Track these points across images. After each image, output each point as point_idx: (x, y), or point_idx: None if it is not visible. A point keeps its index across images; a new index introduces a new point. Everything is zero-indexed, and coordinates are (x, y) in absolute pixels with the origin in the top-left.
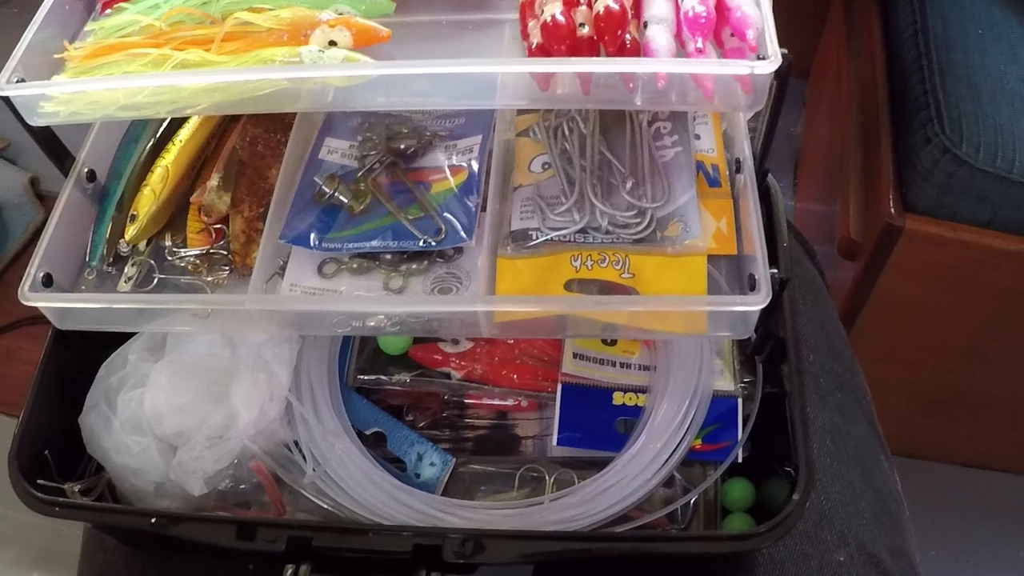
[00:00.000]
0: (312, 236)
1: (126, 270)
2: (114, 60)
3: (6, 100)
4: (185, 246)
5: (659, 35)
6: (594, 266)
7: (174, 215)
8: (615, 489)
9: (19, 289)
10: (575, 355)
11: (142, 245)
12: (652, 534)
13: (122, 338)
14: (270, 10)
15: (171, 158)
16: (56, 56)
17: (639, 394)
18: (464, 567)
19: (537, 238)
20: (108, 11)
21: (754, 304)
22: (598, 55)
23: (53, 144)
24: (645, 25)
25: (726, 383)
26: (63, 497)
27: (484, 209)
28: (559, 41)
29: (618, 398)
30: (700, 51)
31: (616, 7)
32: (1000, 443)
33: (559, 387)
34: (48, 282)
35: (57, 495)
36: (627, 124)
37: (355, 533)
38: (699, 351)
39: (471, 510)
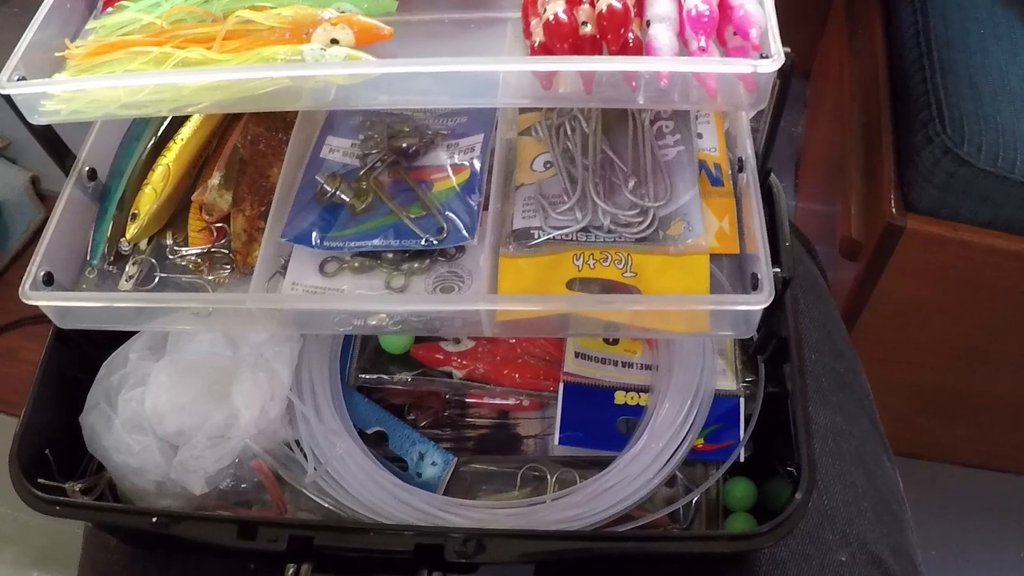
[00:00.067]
0: (314, 235)
1: (127, 269)
2: (115, 58)
3: (7, 98)
4: (186, 245)
5: (662, 34)
6: (596, 265)
7: (175, 214)
8: (617, 488)
9: (20, 288)
10: (577, 354)
11: (143, 244)
12: (654, 534)
13: (123, 337)
14: (272, 8)
15: (172, 156)
16: (57, 54)
17: (641, 393)
18: (466, 566)
19: (539, 237)
20: (109, 9)
21: (757, 303)
22: (600, 54)
23: (54, 143)
24: (648, 24)
25: (728, 382)
26: (64, 496)
27: (486, 208)
28: (561, 39)
29: (620, 397)
30: (703, 50)
31: (619, 5)
32: (1001, 443)
33: (561, 386)
34: (49, 281)
35: (58, 494)
36: (629, 123)
37: (357, 532)
38: (701, 350)
39: (473, 509)
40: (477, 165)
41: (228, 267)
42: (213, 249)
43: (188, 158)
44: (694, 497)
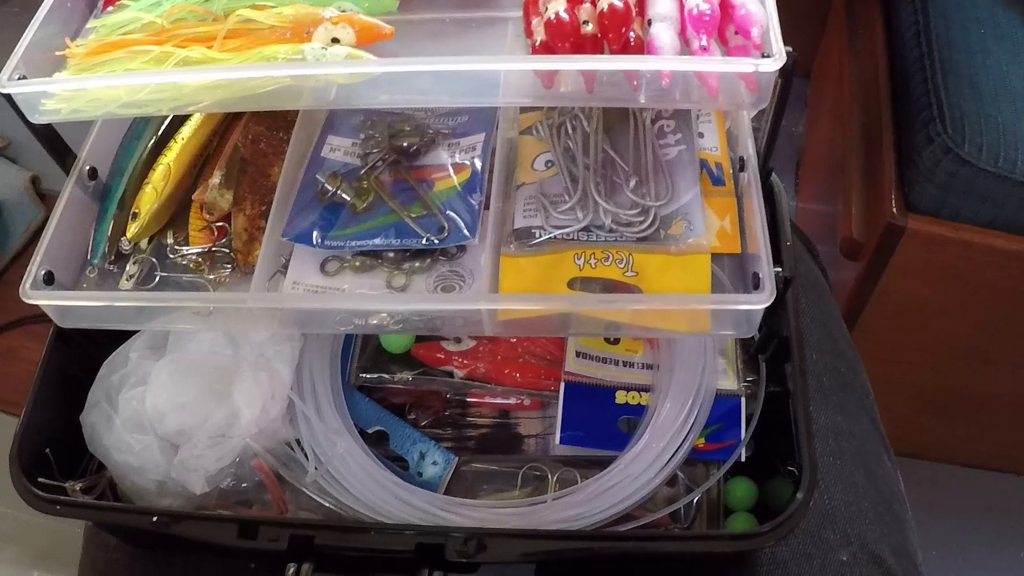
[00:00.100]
0: (314, 234)
1: (128, 268)
2: (116, 57)
3: (8, 97)
4: (187, 244)
5: (663, 33)
6: (597, 264)
7: (176, 213)
8: (618, 488)
9: (20, 287)
10: (578, 354)
11: (144, 243)
12: (655, 533)
13: (123, 336)
14: (273, 7)
15: (173, 156)
16: (58, 53)
17: (642, 393)
18: (466, 566)
19: (540, 236)
20: (110, 8)
21: (758, 303)
22: (602, 53)
23: (54, 142)
24: (649, 23)
25: (729, 382)
26: (64, 495)
27: (487, 207)
28: (563, 38)
29: (621, 397)
30: (704, 49)
31: (620, 4)
32: (1001, 443)
33: (562, 386)
34: (50, 280)
35: (58, 493)
36: (630, 122)
37: (357, 532)
38: (702, 350)
39: (473, 509)
40: (478, 164)
41: (229, 266)
42: (214, 248)
43: (189, 157)
44: (695, 497)
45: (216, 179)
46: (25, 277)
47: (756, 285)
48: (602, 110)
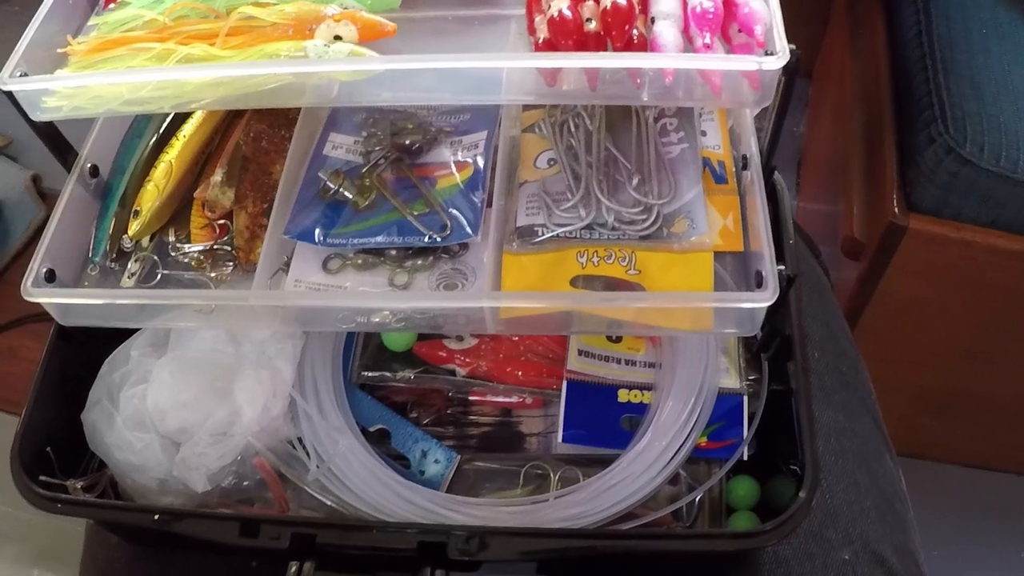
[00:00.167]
0: (317, 232)
1: (129, 266)
2: (118, 55)
3: (9, 95)
4: (189, 242)
5: (666, 30)
6: (600, 262)
7: (178, 211)
8: (620, 487)
9: (22, 284)
10: (580, 352)
11: (145, 241)
12: (657, 532)
13: (125, 334)
14: (275, 4)
15: (175, 153)
16: (59, 51)
17: (644, 391)
18: (468, 564)
19: (543, 234)
20: (111, 5)
21: (761, 301)
22: (605, 51)
23: (56, 139)
24: (652, 21)
25: (732, 380)
26: (65, 494)
27: (490, 205)
28: (566, 36)
29: (623, 395)
30: (708, 47)
31: (623, 2)
32: (1002, 443)
33: (564, 384)
34: (51, 278)
35: (59, 492)
36: (633, 120)
37: (359, 530)
38: (705, 348)
39: (475, 507)
40: (481, 162)
41: (231, 264)
42: (216, 246)
43: (190, 155)
44: (697, 495)
45: (218, 177)
46: (26, 275)
47: (759, 283)
48: (605, 108)
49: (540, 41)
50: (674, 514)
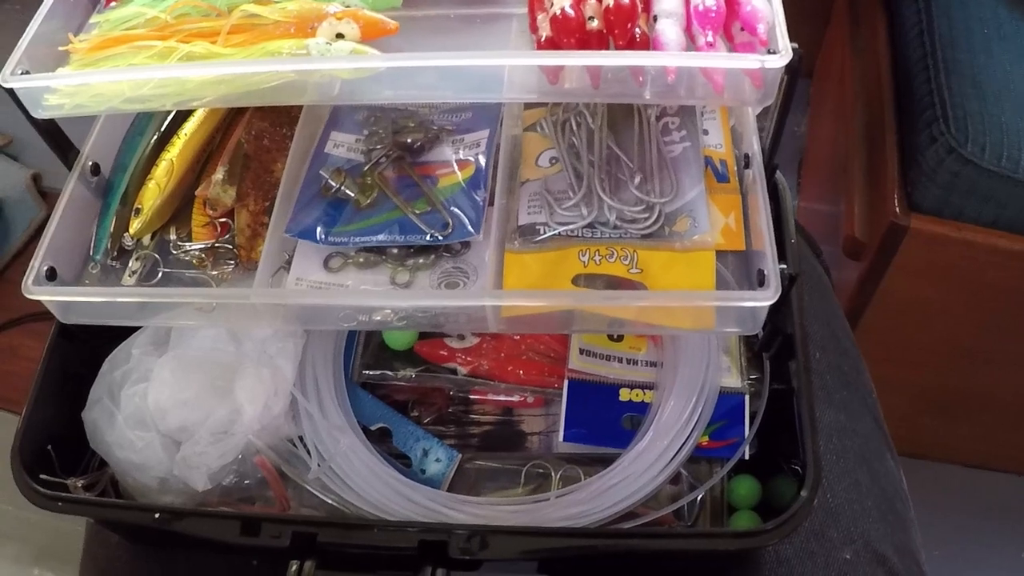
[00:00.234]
0: (318, 230)
1: (130, 264)
2: (119, 52)
3: (10, 92)
4: (190, 240)
5: (669, 29)
6: (602, 261)
7: (179, 209)
8: (621, 486)
9: (23, 282)
10: (581, 351)
11: (146, 239)
12: (658, 531)
13: (126, 332)
14: (277, 2)
15: (176, 151)
16: (61, 48)
17: (646, 390)
18: (469, 563)
19: (545, 233)
20: (113, 3)
21: (764, 300)
22: (607, 49)
23: (57, 137)
24: (655, 19)
25: (733, 380)
26: (66, 492)
27: (491, 203)
28: (568, 34)
29: (624, 394)
30: (710, 45)
31: (626, 0)
32: (1002, 443)
33: (565, 383)
34: (52, 276)
35: (60, 490)
36: (635, 119)
37: (360, 529)
38: (706, 347)
39: (477, 506)
40: (482, 161)
41: (232, 262)
42: (217, 244)
43: (192, 153)
44: (699, 494)
45: (219, 175)
46: (27, 272)
47: (761, 282)
48: (606, 106)
49: (542, 39)
50: (675, 513)
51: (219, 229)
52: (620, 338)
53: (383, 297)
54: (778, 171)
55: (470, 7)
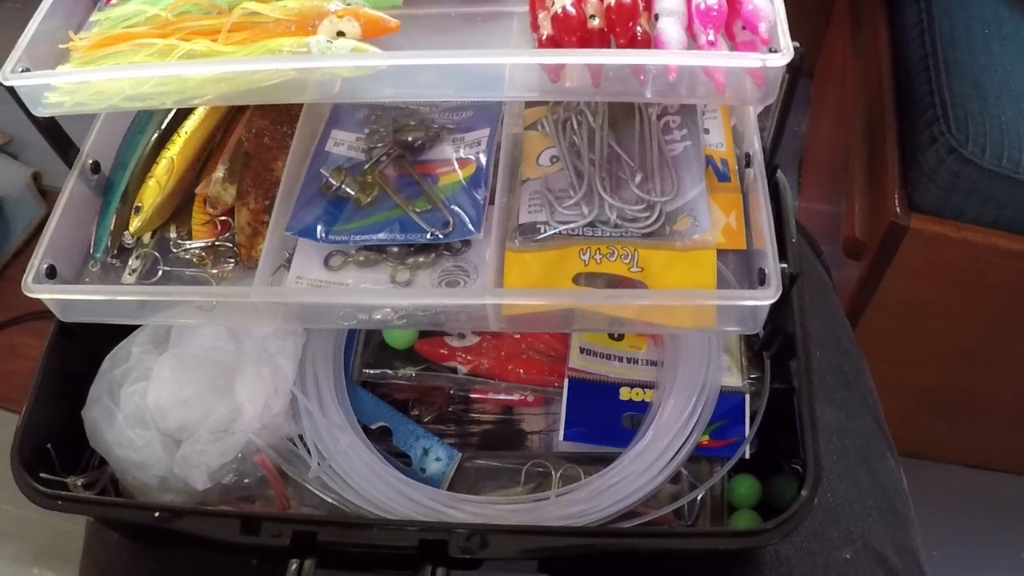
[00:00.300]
0: (318, 228)
1: (130, 262)
2: (120, 50)
3: (11, 90)
4: (190, 238)
5: (670, 27)
6: (603, 260)
7: (179, 207)
8: (621, 485)
9: (23, 280)
10: (582, 350)
11: (147, 237)
12: (658, 530)
13: (126, 331)
14: (277, 0)
15: (176, 149)
16: (61, 46)
17: (646, 389)
18: (470, 562)
19: (545, 231)
20: (114, 1)
21: (764, 299)
22: (609, 47)
23: (57, 135)
24: (656, 18)
25: (733, 379)
26: (66, 491)
27: (492, 202)
28: (570, 33)
29: (625, 393)
30: (712, 44)
31: None
32: (1002, 443)
33: (566, 382)
34: (52, 274)
35: (59, 489)
36: (636, 118)
37: (360, 528)
38: (707, 346)
39: (477, 505)
40: (483, 159)
41: (232, 261)
42: (217, 242)
43: (192, 151)
44: (699, 494)
45: (220, 173)
46: (27, 270)
47: (762, 281)
48: (607, 105)
49: (543, 38)
50: (675, 512)
51: (219, 227)
52: (620, 337)
53: (383, 296)
54: (779, 170)
55: (471, 5)
